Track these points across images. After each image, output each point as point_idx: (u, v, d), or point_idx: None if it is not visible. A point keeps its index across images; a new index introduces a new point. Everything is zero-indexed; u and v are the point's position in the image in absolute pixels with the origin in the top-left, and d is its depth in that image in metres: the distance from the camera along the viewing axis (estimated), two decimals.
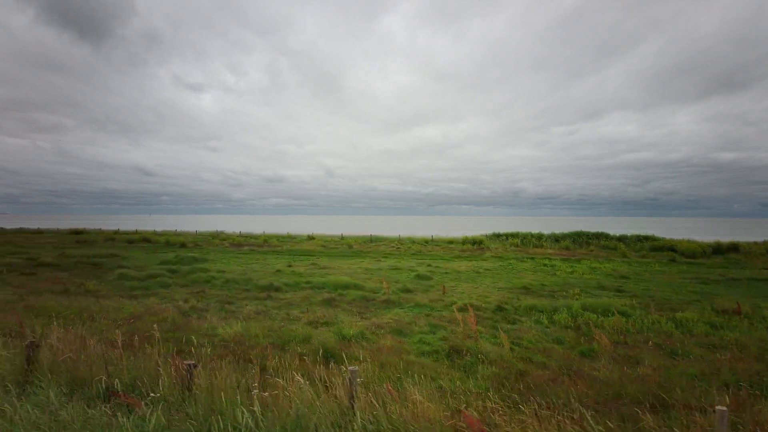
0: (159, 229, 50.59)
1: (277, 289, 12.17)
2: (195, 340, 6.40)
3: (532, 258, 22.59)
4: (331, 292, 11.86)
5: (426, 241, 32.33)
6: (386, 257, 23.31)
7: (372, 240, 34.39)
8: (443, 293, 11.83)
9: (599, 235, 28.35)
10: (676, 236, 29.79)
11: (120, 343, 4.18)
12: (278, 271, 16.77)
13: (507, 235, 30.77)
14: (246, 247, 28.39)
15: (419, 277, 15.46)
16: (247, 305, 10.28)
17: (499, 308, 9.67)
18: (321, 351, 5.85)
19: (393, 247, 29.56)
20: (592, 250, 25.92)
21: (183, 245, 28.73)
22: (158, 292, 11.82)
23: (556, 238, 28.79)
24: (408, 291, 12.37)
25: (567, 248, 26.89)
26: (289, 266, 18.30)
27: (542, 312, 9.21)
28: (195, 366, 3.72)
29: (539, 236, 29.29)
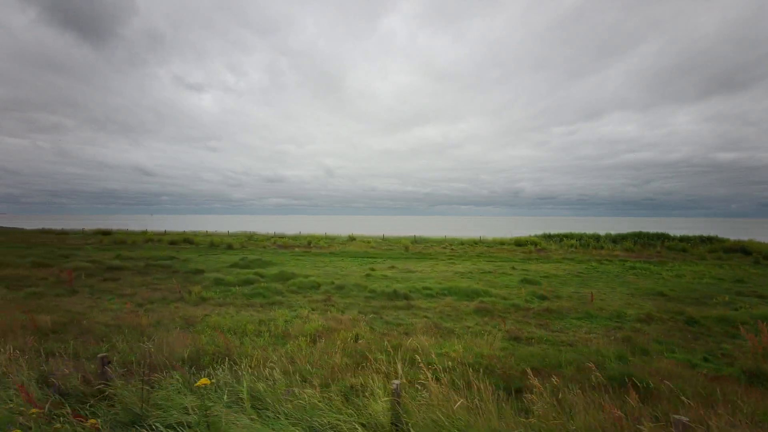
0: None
1: (407, 297, 11.20)
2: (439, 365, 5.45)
3: (609, 260, 21.68)
4: (470, 300, 10.91)
5: (475, 242, 31.39)
6: (455, 259, 22.33)
7: (417, 241, 33.43)
8: (591, 301, 10.90)
9: (660, 236, 27.51)
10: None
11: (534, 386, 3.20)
12: (368, 275, 15.80)
13: (560, 236, 29.87)
14: (297, 249, 27.36)
15: (526, 281, 14.52)
16: (399, 315, 9.33)
17: (692, 321, 8.75)
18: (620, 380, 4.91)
19: (445, 247, 28.62)
20: (660, 252, 25.06)
21: (230, 246, 27.65)
22: (281, 301, 10.81)
23: (614, 239, 27.92)
24: (544, 298, 11.44)
25: (631, 250, 26.00)
26: (372, 269, 17.32)
27: (747, 324, 8.28)
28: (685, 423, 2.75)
29: (596, 237, 28.41)
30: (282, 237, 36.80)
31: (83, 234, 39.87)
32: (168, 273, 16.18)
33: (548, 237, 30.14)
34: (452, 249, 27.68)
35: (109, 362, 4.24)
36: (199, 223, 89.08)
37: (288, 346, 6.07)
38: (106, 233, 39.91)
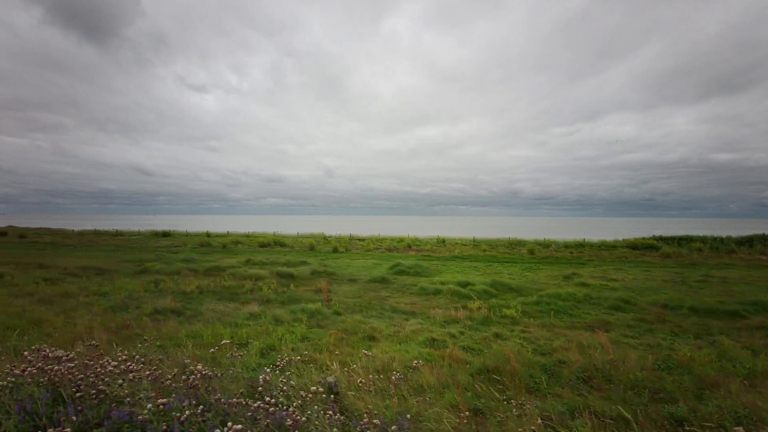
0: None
1: (740, 314, 9.39)
2: None
3: None
4: None
5: (580, 244, 29.68)
6: (614, 264, 20.55)
7: (511, 244, 31.68)
8: None
9: None
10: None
11: None
12: (582, 284, 13.98)
13: (675, 239, 28.24)
14: (411, 252, 25.44)
15: None
16: None
17: None
18: None
19: (558, 250, 26.87)
20: None
21: (335, 250, 25.65)
22: (604, 320, 8.95)
23: (739, 242, 26.36)
24: None
25: (765, 252, 24.47)
26: (567, 279, 15.52)
27: None
28: None
29: (721, 239, 26.85)
30: (360, 238, 34.80)
31: (142, 235, 37.58)
32: (345, 281, 14.29)
33: (661, 239, 28.50)
34: (570, 252, 25.95)
35: None
36: (199, 224, 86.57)
37: None
38: (166, 234, 37.73)
